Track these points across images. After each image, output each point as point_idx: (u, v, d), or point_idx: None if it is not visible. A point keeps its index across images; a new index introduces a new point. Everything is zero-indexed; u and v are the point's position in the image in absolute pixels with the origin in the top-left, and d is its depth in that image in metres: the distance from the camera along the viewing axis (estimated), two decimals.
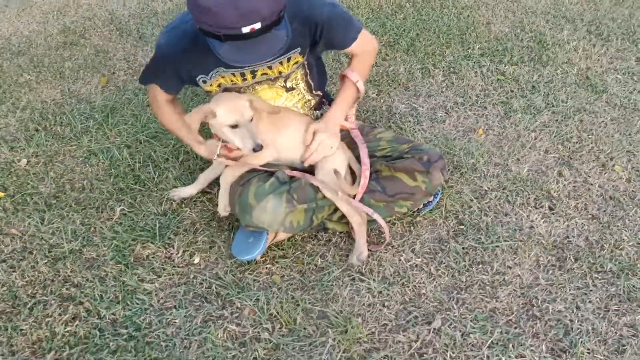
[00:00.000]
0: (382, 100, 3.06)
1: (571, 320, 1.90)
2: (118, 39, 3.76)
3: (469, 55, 3.39)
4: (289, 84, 2.26)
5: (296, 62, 2.19)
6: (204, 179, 2.41)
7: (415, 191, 2.15)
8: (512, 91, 3.05)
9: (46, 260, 2.21)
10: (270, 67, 2.13)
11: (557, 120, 2.80)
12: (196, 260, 2.20)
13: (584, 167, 2.51)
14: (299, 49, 2.15)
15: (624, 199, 2.34)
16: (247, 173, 2.17)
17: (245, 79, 2.16)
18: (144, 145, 2.78)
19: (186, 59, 2.07)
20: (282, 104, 2.30)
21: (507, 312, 1.95)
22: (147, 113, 3.00)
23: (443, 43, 3.53)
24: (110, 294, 2.08)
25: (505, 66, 3.25)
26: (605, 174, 2.47)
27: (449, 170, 2.51)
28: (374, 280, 2.08)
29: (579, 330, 1.87)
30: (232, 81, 2.17)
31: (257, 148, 2.00)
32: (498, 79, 3.15)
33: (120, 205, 2.43)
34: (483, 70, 3.24)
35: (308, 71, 2.28)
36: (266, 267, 2.15)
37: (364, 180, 2.15)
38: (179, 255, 2.21)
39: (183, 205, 2.43)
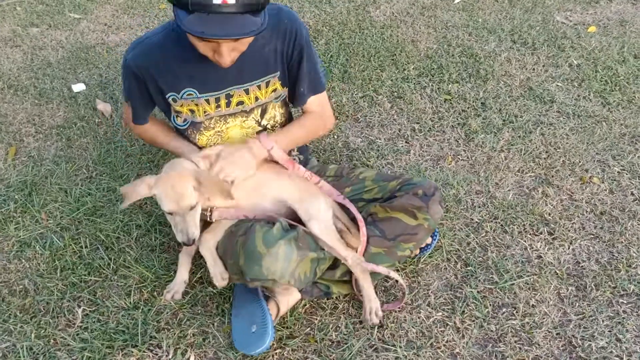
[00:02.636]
0: (335, 137, 2.85)
1: (618, 356, 1.79)
2: (14, 99, 3.23)
3: (406, 77, 3.28)
4: (264, 121, 2.01)
5: (274, 90, 1.98)
6: (187, 259, 2.05)
7: (418, 230, 1.94)
8: (464, 111, 2.96)
9: None
10: (247, 92, 1.92)
11: (520, 137, 2.75)
12: (192, 359, 1.85)
13: (564, 183, 2.46)
14: (278, 73, 1.95)
15: (615, 212, 2.31)
16: (242, 223, 1.88)
17: (219, 106, 1.93)
18: (85, 225, 2.35)
19: (156, 72, 1.86)
20: None
21: (551, 358, 1.80)
22: (78, 184, 2.57)
23: (376, 66, 3.39)
24: None
25: (447, 85, 3.17)
26: (587, 188, 2.43)
27: None
28: (400, 347, 1.86)
29: None
30: (204, 111, 1.93)
31: (188, 243, 1.76)
32: (446, 99, 3.06)
33: (79, 306, 2.02)
34: (427, 91, 3.13)
35: (287, 115, 2.08)
36: (276, 354, 1.85)
37: (363, 237, 1.93)
38: (169, 357, 1.85)
39: (155, 294, 2.06)
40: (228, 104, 1.94)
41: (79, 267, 2.17)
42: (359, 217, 1.96)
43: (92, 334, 1.94)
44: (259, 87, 1.94)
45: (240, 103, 1.95)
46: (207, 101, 1.91)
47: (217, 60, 1.72)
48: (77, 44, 3.79)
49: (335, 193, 2.02)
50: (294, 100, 2.07)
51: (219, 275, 1.87)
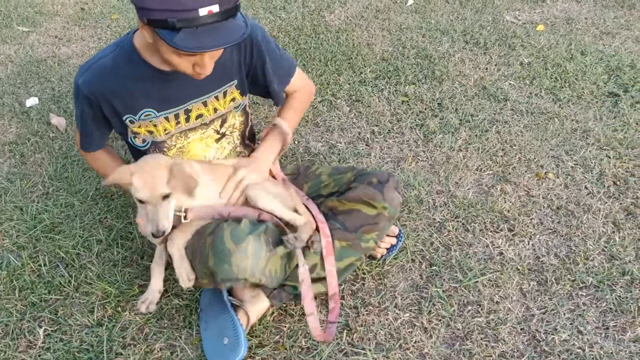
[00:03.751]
0: (296, 142, 2.85)
1: (580, 348, 1.85)
2: None
3: (363, 80, 3.31)
4: (223, 129, 2.01)
5: (233, 99, 1.97)
6: (159, 269, 1.97)
7: (379, 220, 1.94)
8: (421, 112, 3.01)
9: None
10: (205, 104, 1.91)
11: (476, 136, 2.80)
12: None
13: (521, 179, 2.52)
14: (235, 82, 1.94)
15: (571, 206, 2.38)
16: (209, 224, 1.85)
17: (179, 123, 1.90)
18: (43, 243, 2.29)
19: (111, 95, 1.80)
20: (213, 158, 2.05)
21: (517, 353, 1.85)
22: (35, 201, 2.50)
23: (334, 71, 3.41)
24: None
25: (404, 87, 3.21)
26: (543, 183, 2.50)
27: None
28: (369, 350, 1.87)
29: (592, 356, 1.82)
30: (165, 130, 1.89)
31: (157, 234, 1.71)
32: (403, 101, 3.10)
33: (40, 326, 1.97)
34: (384, 93, 3.17)
35: (249, 123, 2.07)
36: None
37: (327, 238, 1.92)
38: None
39: (119, 309, 2.02)
40: (187, 119, 1.92)
41: (38, 286, 2.12)
42: (320, 218, 1.95)
43: (54, 354, 1.90)
44: (216, 97, 1.93)
45: (200, 116, 1.93)
46: (167, 119, 1.88)
47: (196, 73, 1.69)
48: (27, 58, 3.70)
49: (300, 194, 2.03)
50: (273, 99, 2.10)
51: (184, 276, 1.81)
